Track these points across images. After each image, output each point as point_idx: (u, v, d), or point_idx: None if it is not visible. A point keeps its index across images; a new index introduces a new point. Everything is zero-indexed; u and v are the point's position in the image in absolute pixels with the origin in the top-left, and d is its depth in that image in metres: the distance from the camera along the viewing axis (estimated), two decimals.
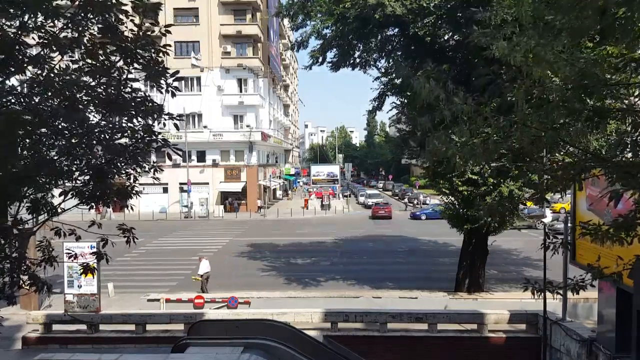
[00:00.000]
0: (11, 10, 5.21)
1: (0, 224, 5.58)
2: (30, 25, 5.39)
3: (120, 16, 5.60)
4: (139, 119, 6.00)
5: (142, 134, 6.04)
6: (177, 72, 5.86)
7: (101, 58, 5.64)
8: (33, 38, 5.51)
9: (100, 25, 5.51)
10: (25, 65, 5.45)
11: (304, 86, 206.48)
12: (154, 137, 6.06)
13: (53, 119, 5.73)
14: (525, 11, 5.36)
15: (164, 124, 6.40)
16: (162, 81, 5.71)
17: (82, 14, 5.43)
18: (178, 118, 6.10)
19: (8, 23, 5.39)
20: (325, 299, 17.08)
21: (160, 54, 5.86)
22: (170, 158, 6.57)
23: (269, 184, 54.72)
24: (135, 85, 5.97)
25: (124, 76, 5.71)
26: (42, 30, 5.37)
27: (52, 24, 5.43)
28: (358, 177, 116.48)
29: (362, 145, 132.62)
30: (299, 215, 45.66)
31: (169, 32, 5.67)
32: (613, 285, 9.16)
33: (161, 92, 5.84)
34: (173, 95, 5.97)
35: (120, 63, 5.67)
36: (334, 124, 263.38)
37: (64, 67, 5.72)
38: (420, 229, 36.79)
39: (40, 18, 5.38)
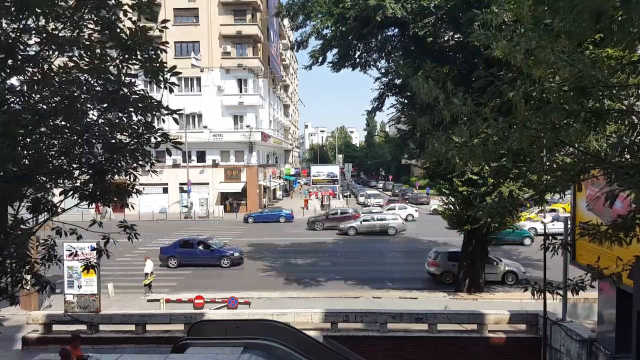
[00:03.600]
0: (13, 12, 5.22)
1: (2, 224, 5.59)
2: (32, 26, 5.40)
3: (119, 14, 5.61)
4: (138, 115, 6.00)
5: (141, 130, 6.04)
6: (175, 67, 5.85)
7: (98, 52, 5.64)
8: (33, 38, 5.52)
9: (97, 21, 5.50)
10: (24, 64, 5.46)
11: (304, 86, 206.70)
12: (153, 133, 6.06)
13: (52, 117, 5.74)
14: (526, 13, 5.37)
15: (163, 120, 6.39)
16: (160, 77, 5.71)
17: (80, 13, 5.43)
18: (177, 112, 6.07)
19: (10, 27, 5.40)
20: (325, 299, 17.08)
21: (159, 51, 5.86)
22: (170, 154, 6.57)
23: (269, 184, 54.72)
24: (134, 82, 5.97)
25: (123, 71, 5.71)
26: (43, 32, 5.38)
27: (53, 26, 5.44)
28: (358, 178, 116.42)
29: (362, 146, 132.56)
30: (299, 215, 45.60)
31: (166, 27, 5.68)
32: (613, 285, 9.16)
33: (159, 87, 5.84)
34: (171, 90, 5.97)
35: (118, 59, 5.68)
36: (334, 124, 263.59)
37: (63, 65, 5.73)
38: (420, 228, 36.77)
39: (42, 22, 5.40)
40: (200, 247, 25.47)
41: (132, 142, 6.01)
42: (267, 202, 51.25)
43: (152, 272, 20.08)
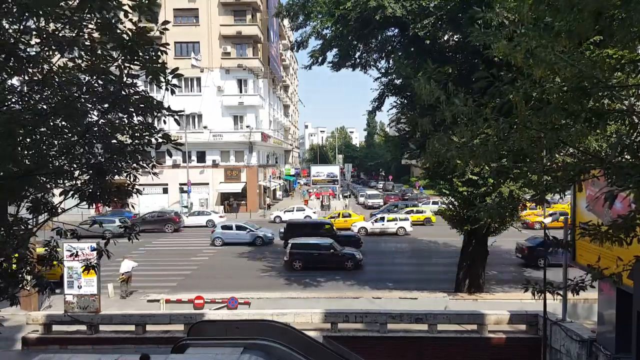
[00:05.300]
0: (15, 13, 5.21)
1: (4, 222, 5.59)
2: (33, 27, 5.39)
3: (120, 15, 5.61)
4: (139, 116, 5.99)
5: (141, 131, 6.04)
6: (177, 69, 5.83)
7: (99, 52, 5.63)
8: (33, 39, 5.52)
9: (99, 22, 5.50)
10: (25, 65, 5.45)
11: (304, 86, 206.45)
12: (154, 134, 6.05)
13: (53, 117, 5.73)
14: (527, 12, 5.37)
15: (164, 121, 6.39)
16: (162, 78, 5.70)
17: (80, 13, 5.42)
18: (178, 113, 6.06)
19: (11, 27, 5.40)
20: (325, 300, 17.09)
21: (159, 52, 5.86)
22: (170, 154, 6.57)
23: (269, 185, 54.74)
24: (135, 83, 5.96)
25: (125, 72, 5.71)
26: (43, 33, 5.38)
27: (53, 26, 5.43)
28: (358, 178, 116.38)
29: (362, 146, 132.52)
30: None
31: (167, 29, 5.67)
32: (613, 286, 9.16)
33: (161, 88, 5.83)
34: (172, 92, 5.95)
35: (120, 60, 5.67)
36: (334, 124, 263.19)
37: (63, 65, 5.72)
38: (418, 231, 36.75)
39: (42, 23, 5.40)
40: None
41: (133, 143, 6.00)
42: (270, 202, 51.68)
43: (127, 272, 19.81)
